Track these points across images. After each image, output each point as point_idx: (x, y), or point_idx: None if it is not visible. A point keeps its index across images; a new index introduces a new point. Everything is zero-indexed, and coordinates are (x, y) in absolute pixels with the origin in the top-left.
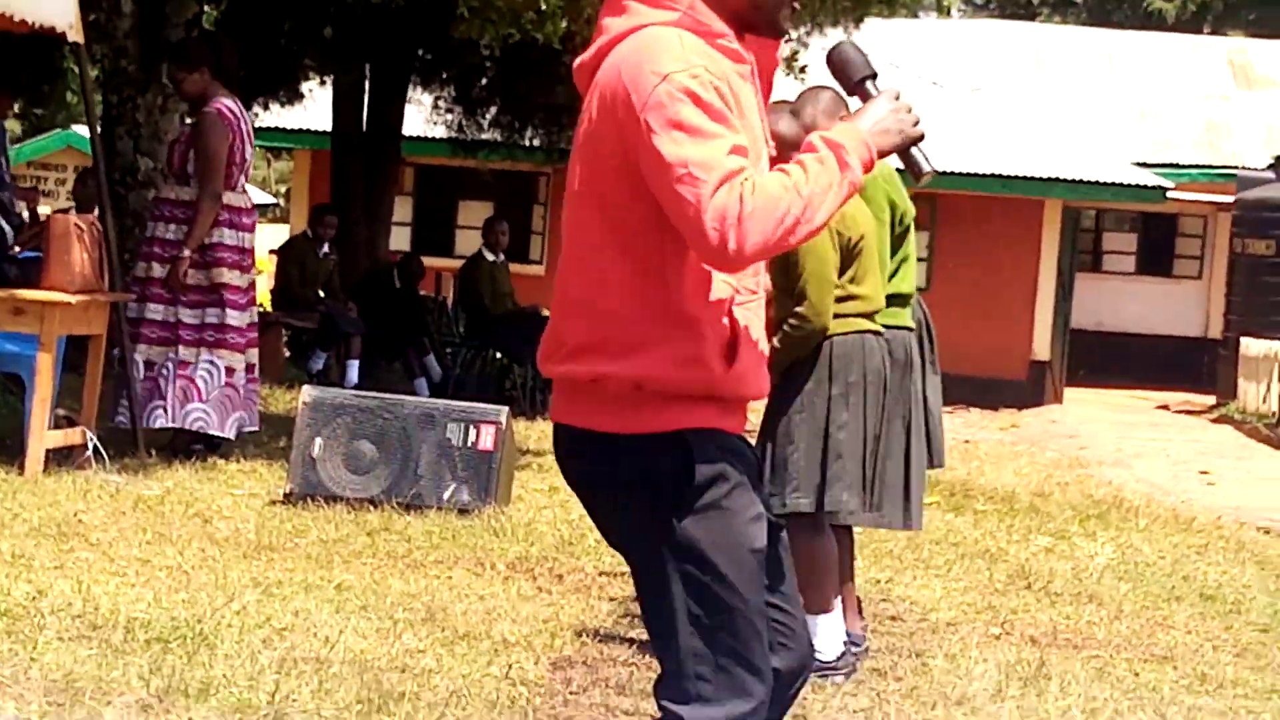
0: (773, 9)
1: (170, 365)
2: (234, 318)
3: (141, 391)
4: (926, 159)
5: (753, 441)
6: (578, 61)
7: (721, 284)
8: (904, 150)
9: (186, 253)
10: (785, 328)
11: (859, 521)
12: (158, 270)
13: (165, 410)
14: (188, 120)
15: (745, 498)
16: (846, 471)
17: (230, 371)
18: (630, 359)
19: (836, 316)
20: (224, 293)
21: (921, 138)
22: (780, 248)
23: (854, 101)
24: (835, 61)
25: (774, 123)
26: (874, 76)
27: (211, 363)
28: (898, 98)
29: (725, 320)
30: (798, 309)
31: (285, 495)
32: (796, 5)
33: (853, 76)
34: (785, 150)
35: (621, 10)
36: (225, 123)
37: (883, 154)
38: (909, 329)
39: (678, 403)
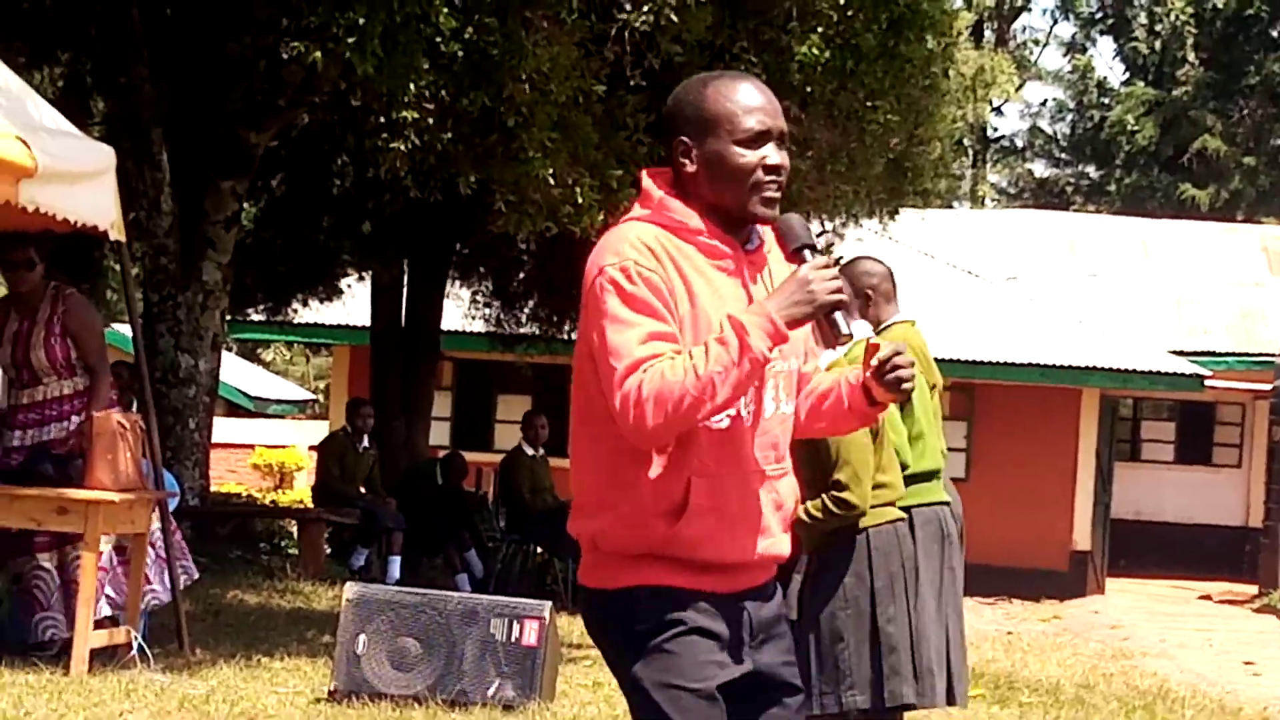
0: (738, 204)
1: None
2: None
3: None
4: (846, 323)
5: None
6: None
7: (677, 456)
8: (823, 317)
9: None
10: (832, 508)
11: (911, 705)
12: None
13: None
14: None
15: (693, 645)
16: (902, 664)
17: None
18: (590, 520)
19: (871, 507)
20: None
21: (838, 305)
22: (687, 423)
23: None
24: (779, 230)
25: None
26: (812, 248)
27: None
28: (822, 267)
29: (677, 488)
30: (842, 495)
31: (330, 693)
32: (768, 194)
33: (790, 244)
34: None
35: (631, 207)
36: None
37: (795, 324)
38: (942, 503)
39: (629, 561)
